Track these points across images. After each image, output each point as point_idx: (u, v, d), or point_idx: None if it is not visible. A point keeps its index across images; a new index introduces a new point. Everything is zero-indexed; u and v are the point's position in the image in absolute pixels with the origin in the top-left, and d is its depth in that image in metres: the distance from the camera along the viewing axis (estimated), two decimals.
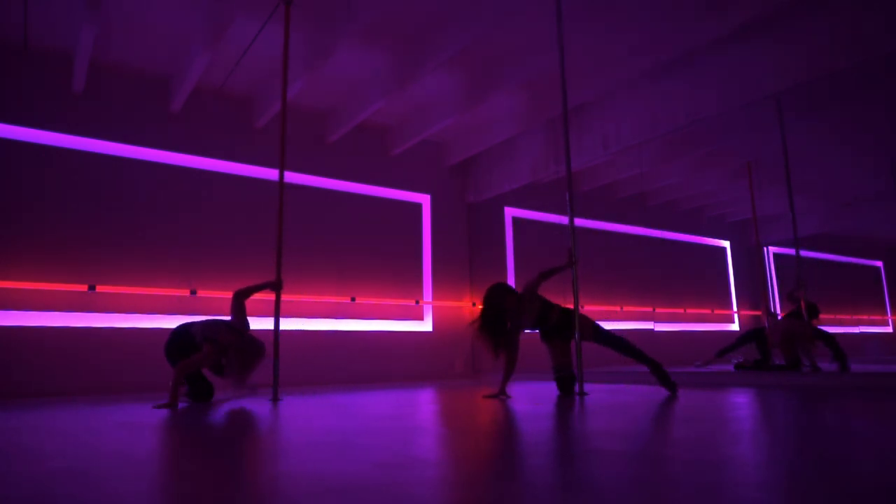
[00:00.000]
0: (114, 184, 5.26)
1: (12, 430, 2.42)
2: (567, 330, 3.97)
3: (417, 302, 6.82)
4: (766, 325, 5.87)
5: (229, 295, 3.98)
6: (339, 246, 6.39)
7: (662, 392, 3.84)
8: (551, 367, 4.01)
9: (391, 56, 5.26)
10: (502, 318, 3.83)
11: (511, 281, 7.46)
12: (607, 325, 7.88)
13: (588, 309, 7.77)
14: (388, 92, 5.30)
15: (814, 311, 5.36)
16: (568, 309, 4.04)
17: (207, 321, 3.86)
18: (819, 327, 5.42)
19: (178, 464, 1.61)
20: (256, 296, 5.60)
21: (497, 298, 3.84)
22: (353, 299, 6.32)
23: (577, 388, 3.89)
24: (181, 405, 3.57)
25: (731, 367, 5.89)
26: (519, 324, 3.91)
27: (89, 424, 2.55)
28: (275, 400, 3.79)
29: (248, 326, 3.89)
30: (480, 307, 3.93)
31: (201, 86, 5.67)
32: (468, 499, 1.16)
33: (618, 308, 8.60)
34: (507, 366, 3.88)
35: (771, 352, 5.64)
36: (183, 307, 5.38)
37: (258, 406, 3.41)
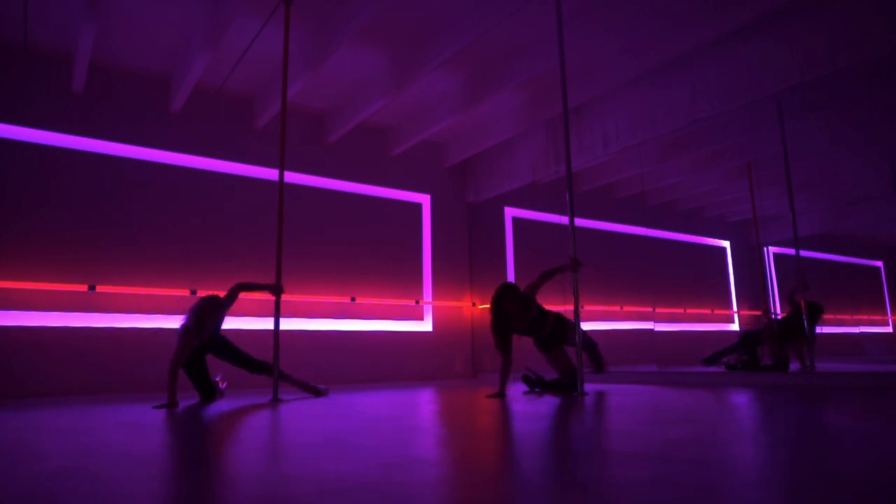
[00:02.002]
0: (114, 184, 5.26)
1: (12, 430, 2.42)
2: (563, 335, 4.05)
3: (417, 302, 6.82)
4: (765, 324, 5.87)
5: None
6: (339, 246, 6.39)
7: (663, 392, 3.85)
8: (558, 373, 4.10)
9: (391, 56, 5.26)
10: (507, 321, 3.94)
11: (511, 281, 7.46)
12: (607, 326, 7.90)
13: (588, 309, 7.77)
14: (388, 92, 5.30)
15: (817, 312, 5.36)
16: (561, 315, 4.11)
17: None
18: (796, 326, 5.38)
19: (179, 464, 1.61)
20: (258, 296, 5.64)
21: (503, 301, 3.97)
22: (353, 299, 6.32)
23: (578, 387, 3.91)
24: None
25: (722, 368, 5.88)
26: (516, 327, 4.00)
27: (89, 424, 2.55)
28: (275, 400, 3.79)
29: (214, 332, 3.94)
30: (490, 306, 4.02)
31: (201, 86, 5.67)
32: (468, 499, 1.16)
33: (618, 308, 8.61)
34: (504, 367, 3.97)
35: (760, 352, 5.63)
36: (183, 307, 5.37)
37: (258, 406, 3.42)
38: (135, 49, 5.11)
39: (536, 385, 4.19)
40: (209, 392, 3.93)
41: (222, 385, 4.32)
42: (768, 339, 5.32)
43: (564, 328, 4.10)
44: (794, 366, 5.16)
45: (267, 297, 5.67)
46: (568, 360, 4.08)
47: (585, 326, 4.36)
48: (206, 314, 3.80)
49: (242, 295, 5.37)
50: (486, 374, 6.92)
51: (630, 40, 4.82)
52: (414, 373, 6.62)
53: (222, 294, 4.05)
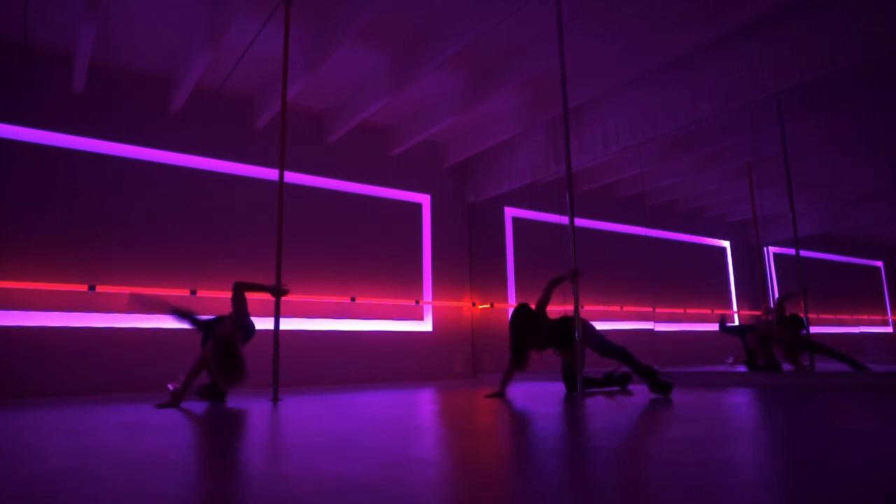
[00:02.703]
0: (114, 184, 5.26)
1: (12, 430, 2.42)
2: (570, 338, 4.08)
3: (417, 302, 6.82)
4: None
5: (229, 295, 4.02)
6: (339, 246, 6.39)
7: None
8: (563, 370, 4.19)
9: (391, 56, 5.26)
10: (522, 341, 4.06)
11: (511, 282, 7.46)
12: (607, 326, 7.90)
13: (588, 309, 7.77)
14: (388, 92, 5.30)
15: (797, 323, 5.36)
16: (567, 319, 4.13)
17: (224, 316, 3.93)
18: (804, 335, 5.36)
19: (179, 463, 1.61)
20: (258, 296, 5.63)
21: (518, 324, 4.08)
22: (353, 299, 6.32)
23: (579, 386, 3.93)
24: (190, 403, 3.58)
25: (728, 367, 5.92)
26: (531, 346, 4.09)
27: (89, 424, 2.55)
28: (275, 400, 3.79)
29: (252, 326, 3.91)
30: (509, 328, 4.15)
31: (201, 86, 5.67)
32: (468, 499, 1.16)
33: (617, 308, 8.61)
34: (510, 370, 4.05)
35: (756, 352, 5.64)
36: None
37: (258, 406, 3.42)
38: (135, 49, 5.11)
39: (617, 382, 4.35)
40: (220, 392, 3.91)
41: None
42: (760, 336, 5.33)
43: (571, 329, 4.12)
44: (786, 367, 5.17)
45: (267, 297, 5.67)
46: (571, 356, 4.10)
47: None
48: (220, 329, 3.71)
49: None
50: (486, 374, 6.92)
51: (630, 40, 4.82)
52: (414, 373, 6.62)
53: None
